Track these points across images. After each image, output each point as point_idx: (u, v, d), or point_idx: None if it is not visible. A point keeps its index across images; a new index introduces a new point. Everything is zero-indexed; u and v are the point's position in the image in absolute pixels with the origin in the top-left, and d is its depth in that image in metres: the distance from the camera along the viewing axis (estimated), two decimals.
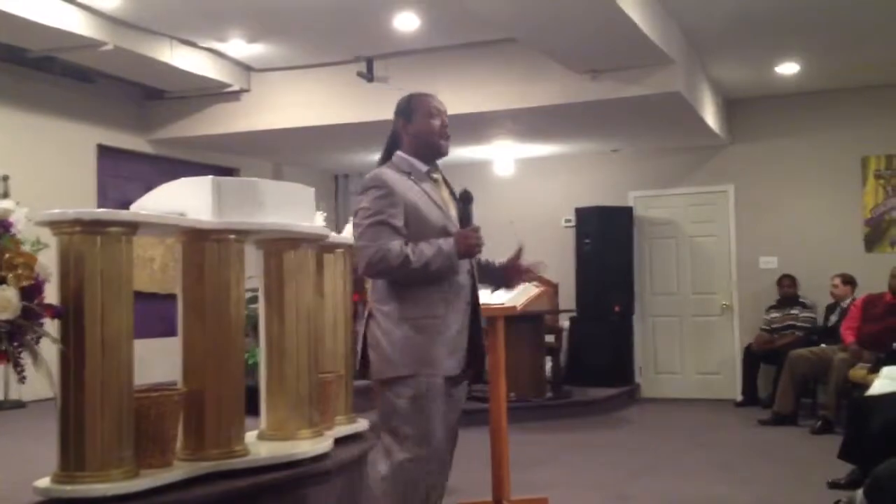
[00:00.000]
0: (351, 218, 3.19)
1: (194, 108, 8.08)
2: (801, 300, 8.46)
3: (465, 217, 3.09)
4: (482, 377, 3.41)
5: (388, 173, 3.04)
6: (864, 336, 7.10)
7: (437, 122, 3.13)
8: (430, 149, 3.14)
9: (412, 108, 3.15)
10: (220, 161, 8.85)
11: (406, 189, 3.02)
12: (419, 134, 3.12)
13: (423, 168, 3.12)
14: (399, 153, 3.13)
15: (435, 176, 3.17)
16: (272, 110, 7.87)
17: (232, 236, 3.57)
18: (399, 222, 2.95)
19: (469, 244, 2.99)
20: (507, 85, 7.24)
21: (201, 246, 3.51)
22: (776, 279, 8.59)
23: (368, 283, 3.28)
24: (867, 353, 6.79)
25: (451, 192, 3.24)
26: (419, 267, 2.91)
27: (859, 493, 2.52)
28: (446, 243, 2.97)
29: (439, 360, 2.94)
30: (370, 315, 3.05)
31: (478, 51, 7.27)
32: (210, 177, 3.62)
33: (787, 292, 8.49)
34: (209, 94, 7.89)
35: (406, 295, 2.97)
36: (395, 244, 2.90)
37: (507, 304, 4.52)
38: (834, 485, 4.78)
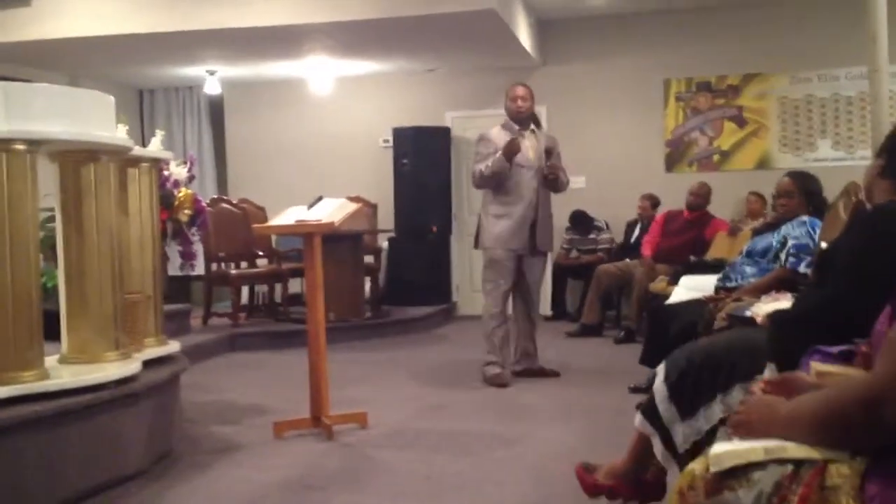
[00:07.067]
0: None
1: None
2: (595, 224, 8.84)
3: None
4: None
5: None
6: (663, 250, 7.53)
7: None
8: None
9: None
10: (7, 73, 8.11)
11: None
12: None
13: (516, 127, 5.70)
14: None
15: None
16: (66, 17, 7.27)
17: (22, 146, 3.28)
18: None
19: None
20: None
21: None
22: (568, 216, 8.87)
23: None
24: (663, 267, 7.19)
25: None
26: None
27: (658, 379, 2.65)
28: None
29: None
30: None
31: None
32: None
33: (580, 222, 8.85)
34: None
35: None
36: None
37: (324, 221, 4.45)
38: (635, 389, 5.08)
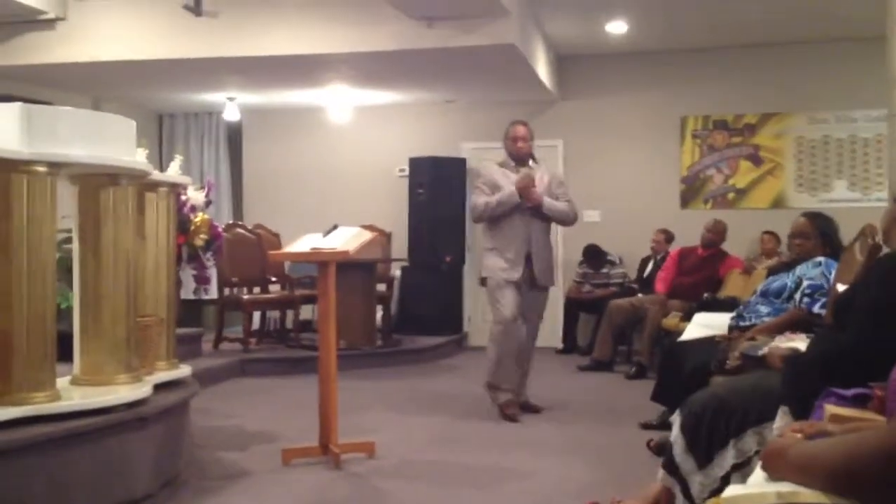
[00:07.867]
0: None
1: (4, 36, 7.47)
2: (609, 259, 8.84)
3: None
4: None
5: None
6: (677, 287, 7.51)
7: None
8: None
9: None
10: (32, 95, 8.21)
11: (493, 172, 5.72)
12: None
13: (512, 164, 5.65)
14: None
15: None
16: (91, 41, 7.38)
17: (43, 168, 3.31)
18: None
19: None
20: (342, 27, 7.09)
21: (8, 177, 3.23)
22: (582, 250, 8.89)
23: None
24: (676, 303, 7.18)
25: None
26: None
27: (675, 428, 2.64)
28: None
29: None
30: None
31: None
32: (18, 103, 3.34)
33: (593, 256, 8.84)
34: (21, 20, 7.32)
35: None
36: None
37: (339, 249, 4.46)
38: (646, 426, 5.04)
